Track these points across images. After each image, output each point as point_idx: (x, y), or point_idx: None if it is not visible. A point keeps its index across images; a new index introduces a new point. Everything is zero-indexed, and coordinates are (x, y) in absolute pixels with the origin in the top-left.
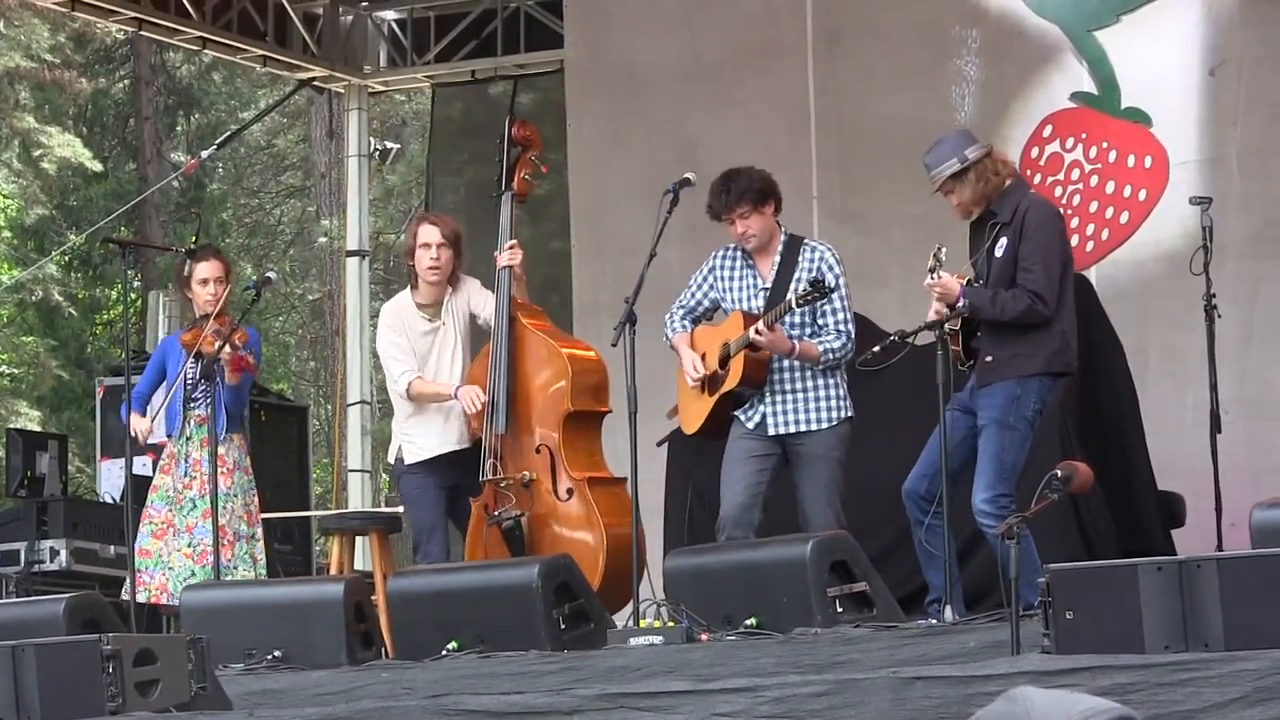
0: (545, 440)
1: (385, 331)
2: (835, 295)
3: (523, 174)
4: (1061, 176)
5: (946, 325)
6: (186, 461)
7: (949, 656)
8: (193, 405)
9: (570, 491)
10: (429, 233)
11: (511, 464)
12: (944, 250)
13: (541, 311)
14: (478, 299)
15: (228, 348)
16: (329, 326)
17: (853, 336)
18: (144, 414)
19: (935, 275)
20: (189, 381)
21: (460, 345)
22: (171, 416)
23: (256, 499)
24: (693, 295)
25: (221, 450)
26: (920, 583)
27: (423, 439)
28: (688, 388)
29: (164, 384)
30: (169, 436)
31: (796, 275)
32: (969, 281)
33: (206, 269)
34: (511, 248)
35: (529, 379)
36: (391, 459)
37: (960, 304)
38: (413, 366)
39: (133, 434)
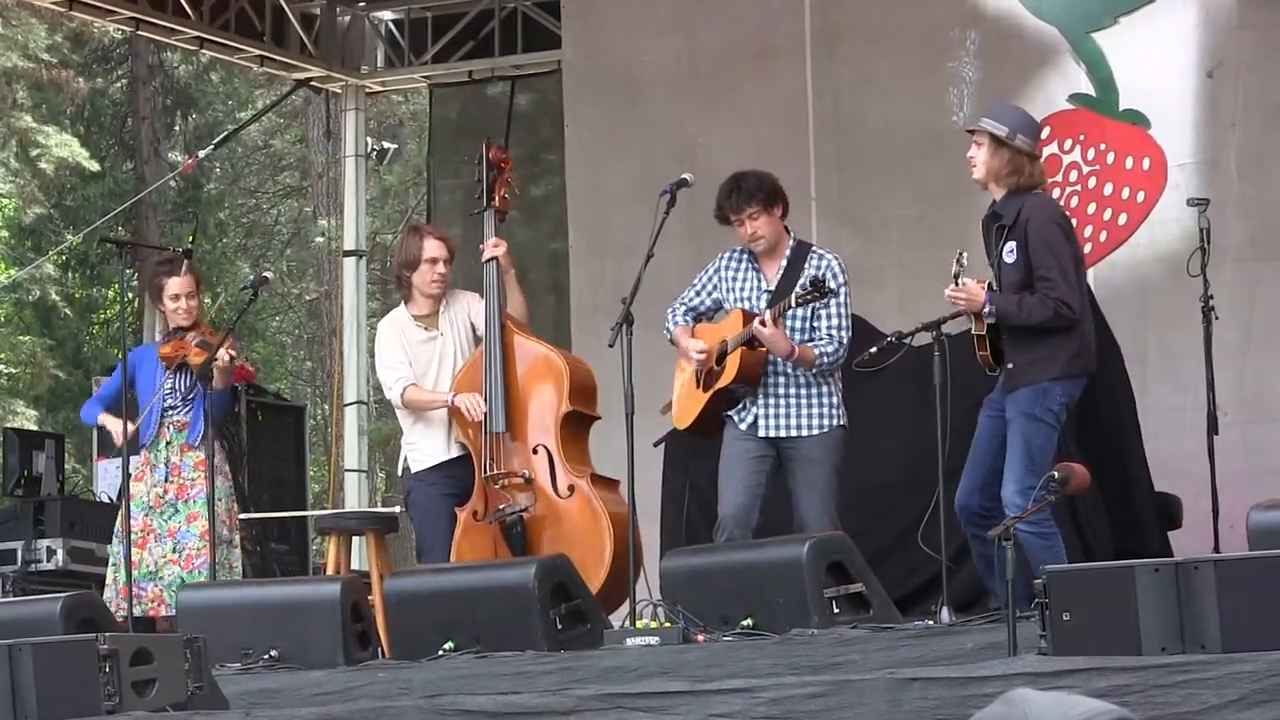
0: (542, 440)
1: (381, 344)
2: (834, 301)
3: (502, 193)
4: (1060, 178)
5: (973, 330)
6: (166, 466)
7: (946, 657)
8: (171, 413)
9: (571, 489)
10: (437, 248)
11: (507, 465)
12: (965, 255)
13: (526, 326)
14: (476, 309)
15: (223, 354)
16: (326, 326)
17: (844, 344)
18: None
19: (960, 282)
20: (170, 391)
21: (461, 355)
22: (145, 428)
23: (235, 504)
24: (696, 294)
25: (202, 456)
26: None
27: (427, 444)
28: (683, 383)
29: (136, 393)
30: (143, 447)
31: (801, 280)
32: (988, 286)
33: (177, 285)
34: (495, 244)
35: (524, 381)
36: (400, 470)
37: (986, 310)
38: (406, 375)
39: (108, 429)
